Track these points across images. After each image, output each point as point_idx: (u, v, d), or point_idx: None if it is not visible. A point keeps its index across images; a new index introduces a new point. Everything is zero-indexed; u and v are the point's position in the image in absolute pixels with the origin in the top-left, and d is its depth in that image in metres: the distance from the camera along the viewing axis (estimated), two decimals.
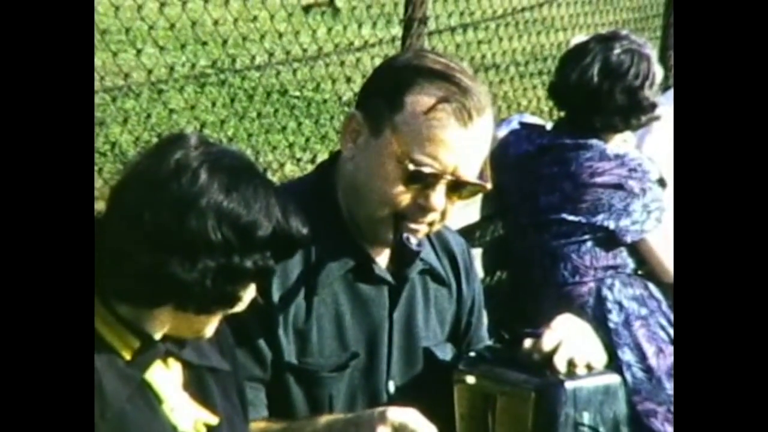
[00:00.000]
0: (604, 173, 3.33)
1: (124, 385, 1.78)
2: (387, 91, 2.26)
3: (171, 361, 1.90)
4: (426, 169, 2.19)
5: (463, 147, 2.21)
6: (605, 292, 3.37)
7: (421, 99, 2.20)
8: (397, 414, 2.07)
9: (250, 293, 1.89)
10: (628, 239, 3.37)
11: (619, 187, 3.31)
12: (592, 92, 3.41)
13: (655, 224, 3.35)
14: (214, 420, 1.90)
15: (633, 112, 3.43)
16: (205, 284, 1.78)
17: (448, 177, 2.21)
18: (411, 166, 2.18)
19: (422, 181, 2.21)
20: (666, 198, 3.39)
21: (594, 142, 3.38)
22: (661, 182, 3.41)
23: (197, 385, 1.94)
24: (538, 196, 3.44)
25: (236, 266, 1.80)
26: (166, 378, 1.88)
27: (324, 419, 2.21)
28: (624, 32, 3.56)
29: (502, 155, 3.56)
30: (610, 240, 3.38)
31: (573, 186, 3.37)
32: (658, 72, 3.46)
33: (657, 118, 3.46)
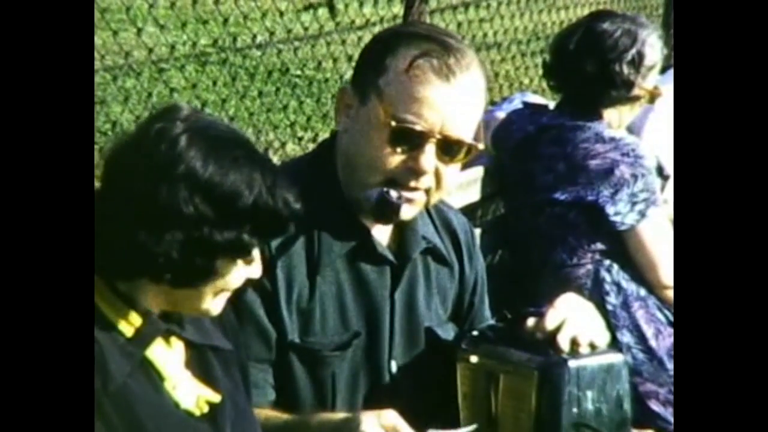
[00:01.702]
0: (597, 156, 3.29)
1: (125, 361, 1.77)
2: (371, 59, 2.25)
3: (173, 339, 1.89)
4: (410, 127, 2.17)
5: (447, 104, 2.18)
6: (603, 273, 3.35)
7: (402, 59, 2.19)
8: (371, 424, 2.04)
9: (237, 268, 1.83)
10: (614, 227, 3.33)
11: (610, 171, 3.28)
12: (569, 63, 3.42)
13: (637, 218, 3.28)
14: (216, 397, 1.89)
15: (602, 86, 3.38)
16: (172, 256, 1.72)
17: (436, 136, 2.18)
18: (395, 124, 2.16)
19: (409, 142, 2.18)
20: (663, 190, 3.36)
21: (592, 124, 3.35)
22: (660, 172, 3.38)
23: (199, 364, 1.93)
24: (535, 176, 3.42)
25: (207, 239, 1.73)
26: (167, 356, 1.87)
27: (315, 420, 2.19)
28: (620, 12, 3.53)
29: (504, 135, 3.55)
30: (601, 223, 3.35)
31: (567, 167, 3.34)
32: (650, 54, 3.39)
33: (633, 99, 3.39)
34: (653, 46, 3.40)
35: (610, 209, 3.28)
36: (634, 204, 3.27)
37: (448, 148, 2.21)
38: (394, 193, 2.22)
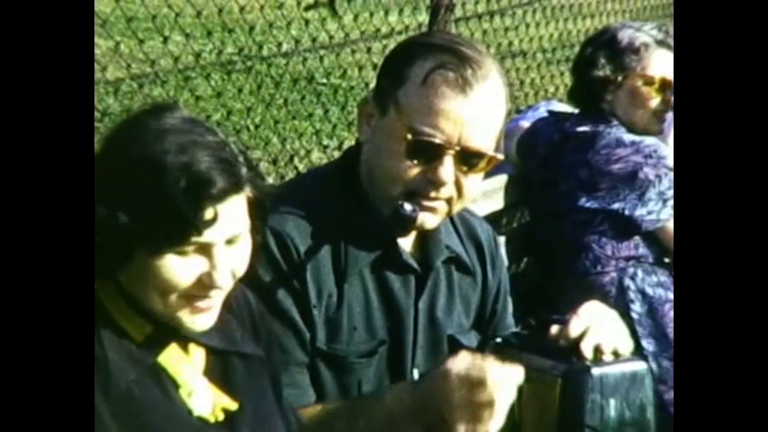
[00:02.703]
0: (620, 160, 3.30)
1: (132, 367, 1.75)
2: (391, 69, 2.25)
3: (192, 346, 1.88)
4: (428, 140, 2.16)
5: (465, 115, 2.16)
6: (627, 281, 3.35)
7: (419, 71, 2.18)
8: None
9: (168, 261, 1.72)
10: (645, 228, 3.34)
11: (633, 174, 3.29)
12: (576, 72, 3.50)
13: (671, 213, 3.31)
14: (233, 405, 1.88)
15: (579, 87, 3.48)
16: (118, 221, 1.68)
17: (455, 148, 2.18)
18: (412, 137, 2.15)
19: (427, 154, 2.17)
20: None
21: (612, 129, 3.36)
22: None
23: (221, 371, 1.91)
24: (558, 184, 3.43)
25: (120, 224, 1.68)
26: (183, 363, 1.85)
27: (389, 398, 2.15)
28: (640, 23, 3.54)
29: (529, 143, 3.56)
30: (628, 229, 3.35)
31: (589, 174, 3.35)
32: (624, 36, 3.38)
33: (629, 86, 3.37)
34: (625, 31, 3.41)
35: (641, 211, 3.28)
36: (665, 201, 3.28)
37: (468, 159, 2.20)
38: (408, 207, 2.21)
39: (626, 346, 2.21)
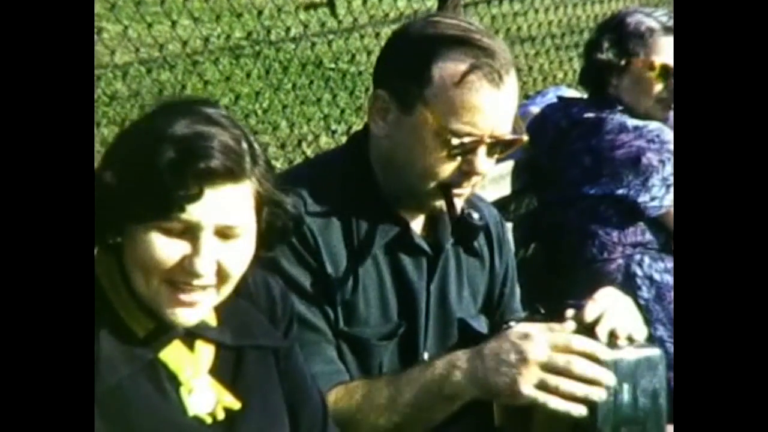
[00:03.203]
0: (623, 146, 3.29)
1: (128, 362, 1.74)
2: (410, 67, 2.22)
3: (200, 343, 1.85)
4: (466, 139, 2.18)
5: (498, 108, 2.19)
6: (634, 268, 3.34)
7: (448, 68, 2.18)
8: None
9: (150, 237, 1.70)
10: (649, 215, 3.33)
11: (637, 159, 3.27)
12: (587, 53, 3.50)
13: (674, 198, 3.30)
14: (236, 405, 1.85)
15: (587, 71, 3.48)
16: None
17: (487, 140, 2.19)
18: (453, 139, 2.17)
19: (461, 149, 2.19)
20: None
21: (616, 115, 3.35)
22: None
23: (232, 366, 1.89)
24: (564, 171, 3.43)
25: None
26: (186, 360, 1.83)
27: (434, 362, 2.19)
28: (653, 9, 3.52)
29: (538, 129, 3.54)
30: (633, 215, 3.33)
31: (593, 160, 3.34)
32: (632, 22, 3.36)
33: (634, 71, 3.37)
34: (634, 15, 3.40)
35: (644, 197, 3.27)
36: (668, 186, 3.26)
37: (498, 147, 2.23)
38: (475, 215, 2.31)
39: (641, 331, 2.21)
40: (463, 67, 2.16)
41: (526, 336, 2.09)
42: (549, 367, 2.06)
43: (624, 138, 3.28)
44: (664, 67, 3.32)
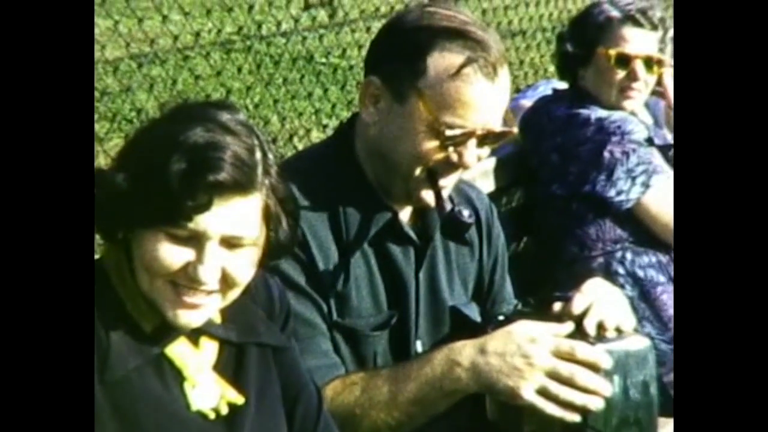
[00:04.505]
0: (587, 141, 3.26)
1: (135, 356, 1.76)
2: (405, 56, 2.23)
3: (204, 340, 1.87)
4: (458, 131, 2.18)
5: (491, 102, 2.20)
6: (615, 266, 3.31)
7: (443, 61, 2.19)
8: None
9: (157, 242, 1.71)
10: (618, 209, 3.30)
11: (599, 153, 3.26)
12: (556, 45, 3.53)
13: (641, 190, 3.23)
14: (240, 400, 1.87)
15: (559, 64, 3.50)
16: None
17: (479, 132, 2.20)
18: (446, 131, 2.17)
19: (453, 140, 2.20)
20: (657, 157, 3.31)
21: (583, 109, 3.34)
22: (650, 141, 3.32)
23: (233, 363, 1.90)
24: (538, 170, 3.42)
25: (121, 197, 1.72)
26: (191, 356, 1.85)
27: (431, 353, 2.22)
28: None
29: (528, 123, 3.52)
30: (603, 211, 3.30)
31: (560, 158, 3.32)
32: (597, 13, 3.35)
33: (599, 62, 3.33)
34: (600, 6, 3.38)
35: (611, 192, 3.24)
36: (633, 178, 3.22)
37: (488, 139, 2.24)
38: (465, 212, 2.31)
39: (629, 323, 2.22)
40: (458, 59, 2.17)
41: (532, 340, 2.11)
42: (552, 375, 2.09)
43: (588, 133, 3.26)
44: (621, 56, 3.31)
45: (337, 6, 7.55)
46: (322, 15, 5.88)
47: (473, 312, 2.45)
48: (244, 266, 1.78)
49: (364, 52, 2.45)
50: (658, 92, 3.48)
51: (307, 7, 7.62)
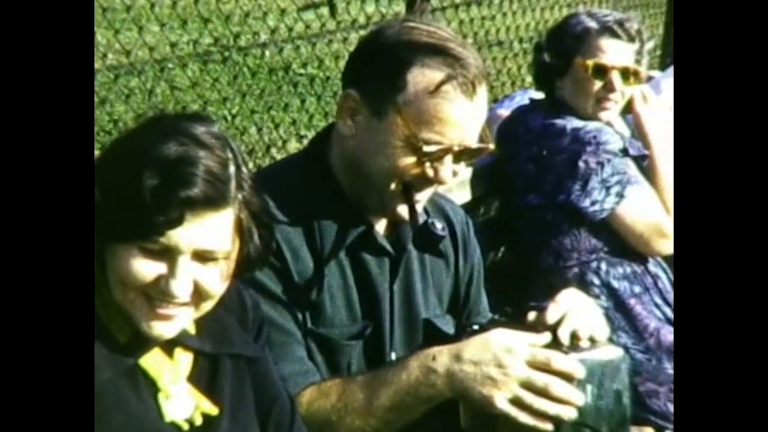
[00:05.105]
0: (562, 151, 3.27)
1: (109, 366, 1.76)
2: (385, 71, 2.23)
3: (179, 351, 1.88)
4: (435, 147, 2.19)
5: (469, 119, 2.21)
6: (590, 276, 3.32)
7: (423, 77, 2.19)
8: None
9: (129, 256, 1.71)
10: (592, 219, 3.31)
11: (574, 163, 3.26)
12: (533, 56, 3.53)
13: (616, 200, 3.24)
14: (214, 410, 1.88)
15: (535, 75, 3.52)
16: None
17: (455, 148, 2.21)
18: (423, 147, 2.18)
19: (430, 156, 2.20)
20: (632, 167, 3.34)
21: (558, 120, 3.34)
22: (625, 152, 3.34)
23: (208, 374, 1.91)
24: (514, 180, 3.43)
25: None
26: (165, 366, 1.85)
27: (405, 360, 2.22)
28: (604, 10, 3.51)
29: (505, 133, 3.52)
30: (578, 221, 3.31)
31: (536, 168, 3.33)
32: (574, 24, 3.37)
33: (574, 72, 3.36)
34: (577, 17, 3.40)
35: (585, 202, 3.24)
36: (608, 189, 3.23)
37: (465, 155, 2.25)
38: (438, 225, 2.33)
39: (603, 333, 2.23)
40: (438, 76, 2.18)
41: (508, 350, 2.12)
42: (527, 386, 2.09)
43: (563, 143, 3.27)
44: (598, 66, 3.32)
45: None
46: (300, 26, 5.88)
47: (448, 325, 2.45)
48: (216, 279, 1.78)
49: (341, 63, 2.46)
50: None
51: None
